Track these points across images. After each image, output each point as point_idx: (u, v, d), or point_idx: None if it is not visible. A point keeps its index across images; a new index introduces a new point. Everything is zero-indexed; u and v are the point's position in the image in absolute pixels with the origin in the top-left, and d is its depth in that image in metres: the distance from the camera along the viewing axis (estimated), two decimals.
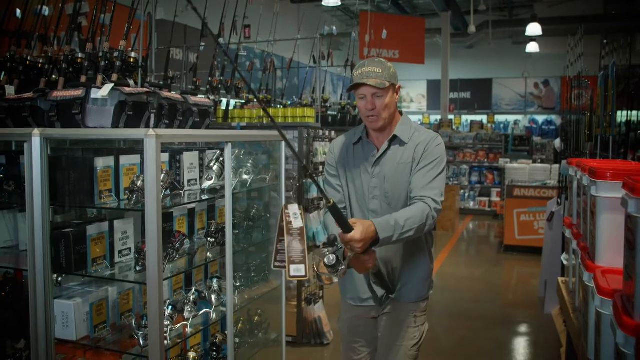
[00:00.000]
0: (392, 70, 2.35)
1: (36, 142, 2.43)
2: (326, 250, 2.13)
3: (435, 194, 2.30)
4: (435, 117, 17.37)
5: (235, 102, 5.75)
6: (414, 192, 2.33)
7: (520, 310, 5.95)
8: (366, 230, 2.09)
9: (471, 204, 12.54)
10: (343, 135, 2.61)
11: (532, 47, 14.66)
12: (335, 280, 2.16)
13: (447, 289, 6.62)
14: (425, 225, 2.24)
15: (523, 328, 5.49)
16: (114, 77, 2.63)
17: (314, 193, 4.74)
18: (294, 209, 2.01)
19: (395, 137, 2.42)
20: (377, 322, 2.56)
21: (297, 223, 2.01)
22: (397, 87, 2.40)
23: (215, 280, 3.00)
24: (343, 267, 2.12)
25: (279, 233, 2.00)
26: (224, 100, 5.32)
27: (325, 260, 2.11)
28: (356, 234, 2.06)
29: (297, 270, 2.00)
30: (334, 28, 6.76)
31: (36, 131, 2.43)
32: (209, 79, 5.00)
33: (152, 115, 2.53)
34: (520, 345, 5.11)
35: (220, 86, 5.02)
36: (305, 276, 1.98)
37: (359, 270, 2.28)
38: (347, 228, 2.07)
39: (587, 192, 2.48)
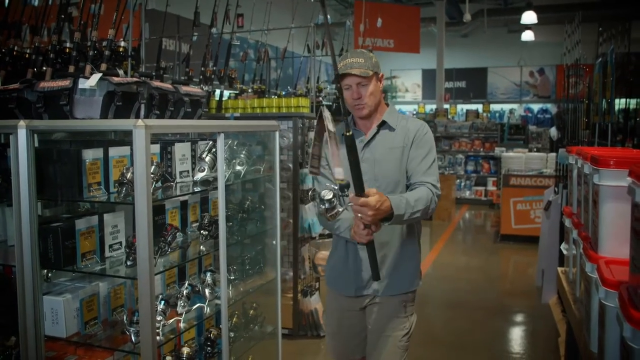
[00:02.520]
0: (374, 60, 2.41)
1: (22, 134, 2.35)
2: (328, 185, 2.09)
3: (434, 179, 2.38)
4: (430, 107, 17.27)
5: (230, 93, 5.68)
6: (414, 178, 2.38)
7: (517, 300, 5.93)
8: (382, 202, 2.07)
9: (467, 194, 12.53)
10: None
11: (528, 36, 14.58)
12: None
13: (443, 279, 6.59)
14: (429, 208, 2.29)
15: (520, 317, 5.47)
16: (103, 66, 2.56)
17: (308, 184, 4.68)
18: (328, 113, 2.07)
19: (384, 122, 2.46)
20: (366, 313, 2.55)
21: (333, 127, 2.07)
22: (380, 75, 2.45)
23: (209, 274, 2.94)
24: (338, 210, 2.08)
25: (316, 137, 2.08)
26: (218, 91, 5.25)
27: (322, 193, 2.07)
28: (372, 200, 2.03)
29: (339, 172, 2.00)
30: (329, 17, 6.68)
31: (22, 123, 2.36)
32: (202, 69, 4.92)
33: (142, 106, 2.46)
34: (518, 335, 5.09)
35: (213, 76, 4.95)
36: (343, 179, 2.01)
37: (353, 236, 2.23)
38: (361, 189, 2.04)
39: (589, 180, 2.44)
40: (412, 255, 2.53)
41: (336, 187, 2.05)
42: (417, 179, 2.37)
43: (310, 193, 2.21)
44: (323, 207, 2.08)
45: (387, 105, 2.55)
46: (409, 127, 2.46)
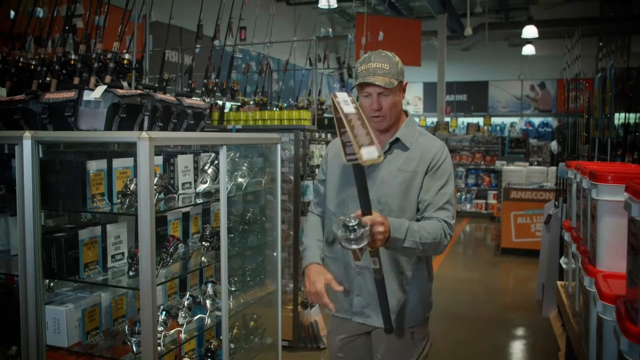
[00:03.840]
0: (399, 66, 2.17)
1: (27, 144, 2.38)
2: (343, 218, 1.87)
3: (449, 216, 2.15)
4: (431, 120, 17.32)
5: (231, 105, 5.71)
6: (428, 212, 2.14)
7: (518, 313, 5.92)
8: (384, 219, 1.91)
9: (468, 207, 12.53)
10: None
11: (528, 50, 14.65)
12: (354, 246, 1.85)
13: (444, 292, 6.58)
14: (439, 245, 2.09)
15: (520, 331, 5.45)
16: (107, 78, 2.59)
17: (309, 196, 4.69)
18: (342, 96, 1.94)
19: (397, 140, 2.22)
20: (371, 338, 2.34)
21: (349, 109, 1.90)
22: (404, 84, 2.21)
23: (209, 285, 2.96)
24: (363, 240, 1.83)
25: (338, 125, 1.90)
26: (220, 103, 5.28)
27: (346, 219, 1.84)
28: (377, 216, 1.89)
29: (369, 152, 1.82)
30: (330, 30, 6.73)
31: (27, 134, 2.39)
32: (204, 81, 4.96)
33: (146, 118, 2.49)
34: (518, 349, 5.08)
35: (215, 88, 4.99)
36: (380, 157, 1.82)
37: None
38: (368, 208, 1.88)
39: (588, 195, 2.45)
40: (421, 288, 2.31)
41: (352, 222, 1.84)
42: (431, 214, 2.13)
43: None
44: (352, 238, 1.82)
45: (406, 114, 2.30)
46: (426, 149, 2.19)
